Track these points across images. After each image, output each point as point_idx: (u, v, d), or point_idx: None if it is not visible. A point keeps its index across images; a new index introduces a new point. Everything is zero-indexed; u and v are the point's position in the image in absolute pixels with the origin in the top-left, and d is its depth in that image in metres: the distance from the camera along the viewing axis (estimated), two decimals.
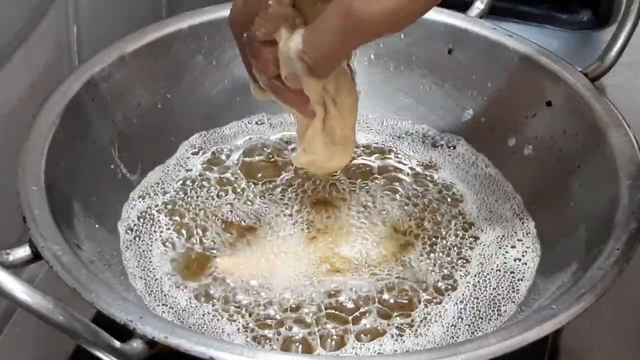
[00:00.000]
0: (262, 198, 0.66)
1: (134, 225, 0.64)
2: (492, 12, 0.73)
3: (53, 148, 0.60)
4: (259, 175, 0.68)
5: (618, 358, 0.65)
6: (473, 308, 0.60)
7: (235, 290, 0.60)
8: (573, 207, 0.63)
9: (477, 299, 0.61)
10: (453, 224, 0.65)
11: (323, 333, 0.58)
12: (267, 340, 0.57)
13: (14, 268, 0.53)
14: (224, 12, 0.69)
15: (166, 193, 0.66)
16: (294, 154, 0.63)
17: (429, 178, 0.69)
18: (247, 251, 0.62)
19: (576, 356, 0.65)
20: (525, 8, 0.91)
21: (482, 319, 0.59)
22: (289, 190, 0.67)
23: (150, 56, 0.68)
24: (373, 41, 0.52)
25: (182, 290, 0.60)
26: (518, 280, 0.62)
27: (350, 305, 0.59)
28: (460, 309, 0.60)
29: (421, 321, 0.59)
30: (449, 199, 0.67)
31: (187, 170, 0.68)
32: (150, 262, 0.62)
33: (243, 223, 0.64)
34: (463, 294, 0.61)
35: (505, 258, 0.63)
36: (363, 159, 0.70)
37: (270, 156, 0.69)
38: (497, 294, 0.61)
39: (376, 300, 0.60)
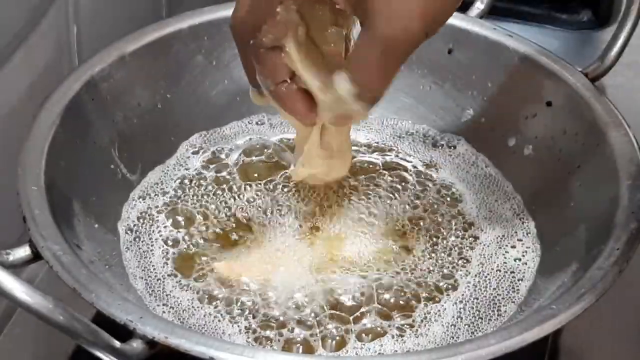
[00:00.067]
0: (261, 198, 0.66)
1: (134, 225, 0.64)
2: (492, 12, 0.73)
3: (53, 148, 0.60)
4: (259, 175, 0.68)
5: (618, 358, 0.65)
6: (473, 308, 0.60)
7: (235, 291, 0.60)
8: (573, 207, 0.63)
9: (477, 299, 0.61)
10: (453, 223, 0.65)
11: (325, 334, 0.58)
12: (269, 341, 0.57)
13: (14, 268, 0.53)
14: (224, 12, 0.69)
15: (165, 193, 0.66)
16: (292, 169, 0.63)
17: (429, 178, 0.69)
18: (245, 253, 0.62)
19: (576, 356, 0.65)
20: (525, 8, 0.91)
21: (482, 319, 0.59)
22: (288, 190, 0.67)
23: (150, 56, 0.68)
24: None
25: (184, 291, 0.60)
26: (518, 280, 0.62)
27: (351, 305, 0.59)
28: (460, 308, 0.60)
29: (422, 321, 0.59)
30: (449, 199, 0.67)
31: (186, 169, 0.68)
32: (151, 262, 0.62)
33: (242, 224, 0.64)
34: (463, 294, 0.61)
35: (506, 258, 0.63)
36: (361, 155, 0.70)
37: (271, 156, 0.69)
38: (497, 294, 0.61)
39: (376, 300, 0.60)
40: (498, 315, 0.60)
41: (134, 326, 0.49)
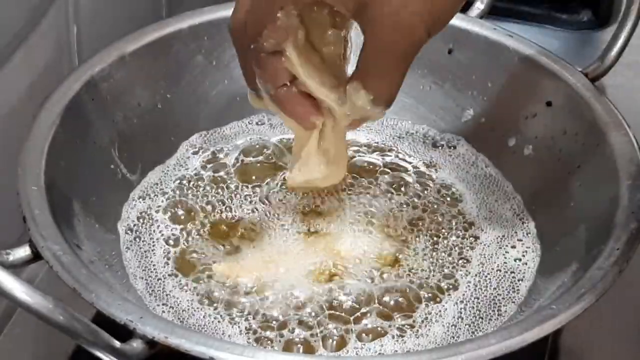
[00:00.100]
0: (260, 199, 0.66)
1: (134, 225, 0.64)
2: (492, 12, 0.73)
3: (53, 148, 0.60)
4: (258, 175, 0.68)
5: (618, 358, 0.65)
6: (473, 308, 0.60)
7: (235, 293, 0.60)
8: (573, 207, 0.63)
9: (478, 298, 0.61)
10: (453, 223, 0.65)
11: (325, 334, 0.58)
12: (269, 342, 0.57)
13: (14, 268, 0.53)
14: (224, 12, 0.69)
15: (165, 193, 0.66)
16: (289, 174, 0.63)
17: (429, 178, 0.69)
18: (244, 255, 0.62)
19: (576, 356, 0.65)
20: (525, 8, 0.91)
21: (482, 319, 0.59)
22: (287, 190, 0.67)
23: (150, 56, 0.68)
24: None
25: (184, 291, 0.60)
26: (518, 280, 0.62)
27: (352, 306, 0.59)
28: (461, 308, 0.60)
29: (422, 321, 0.59)
30: (449, 199, 0.67)
31: (186, 169, 0.68)
32: (151, 262, 0.62)
33: (241, 225, 0.64)
34: (464, 294, 0.61)
35: (506, 258, 0.63)
36: (361, 155, 0.70)
37: (270, 157, 0.69)
38: (498, 294, 0.61)
39: (377, 300, 0.60)
40: (498, 315, 0.60)
41: (134, 326, 0.49)
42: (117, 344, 0.48)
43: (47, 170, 0.58)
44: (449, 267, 0.62)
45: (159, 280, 0.61)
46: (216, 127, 0.71)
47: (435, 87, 0.72)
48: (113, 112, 0.66)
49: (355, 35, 0.56)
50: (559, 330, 0.53)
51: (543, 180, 0.67)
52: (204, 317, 0.58)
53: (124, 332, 0.49)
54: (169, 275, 0.61)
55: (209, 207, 0.66)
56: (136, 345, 0.49)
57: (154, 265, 0.62)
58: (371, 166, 0.70)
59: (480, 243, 0.64)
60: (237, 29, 0.55)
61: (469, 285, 0.61)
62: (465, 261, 0.63)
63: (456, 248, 0.64)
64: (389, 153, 0.71)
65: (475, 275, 0.62)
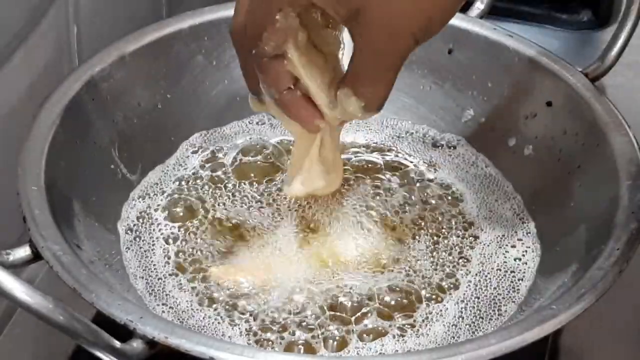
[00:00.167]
0: (259, 199, 0.66)
1: (134, 225, 0.64)
2: (492, 12, 0.73)
3: (53, 148, 0.60)
4: (256, 175, 0.68)
5: (618, 358, 0.65)
6: (474, 308, 0.60)
7: (235, 294, 0.60)
8: (573, 207, 0.63)
9: (478, 298, 0.61)
10: (453, 223, 0.65)
11: (326, 335, 0.58)
12: (270, 343, 0.57)
13: (14, 268, 0.53)
14: (224, 12, 0.69)
15: (164, 193, 0.66)
16: (288, 187, 0.63)
17: (429, 178, 0.69)
18: (243, 256, 0.62)
19: (576, 356, 0.65)
20: (525, 8, 0.91)
21: (482, 318, 0.59)
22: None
23: (150, 56, 0.68)
24: None
25: (183, 291, 0.60)
26: (518, 280, 0.62)
27: (352, 306, 0.59)
28: (461, 308, 0.60)
29: (423, 321, 0.59)
30: (449, 199, 0.67)
31: (186, 169, 0.68)
32: (152, 262, 0.62)
33: (240, 225, 0.64)
34: (464, 294, 0.61)
35: (506, 258, 0.63)
36: (361, 155, 0.70)
37: (269, 157, 0.69)
38: (498, 294, 0.61)
39: (377, 300, 0.60)
40: (499, 315, 0.60)
41: (134, 326, 0.49)
42: (117, 344, 0.48)
43: (47, 170, 0.58)
44: (449, 267, 0.62)
45: (159, 280, 0.61)
46: (216, 126, 0.71)
47: (435, 87, 0.72)
48: (113, 112, 0.66)
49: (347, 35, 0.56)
50: (559, 330, 0.53)
51: (543, 180, 0.67)
52: (204, 318, 0.58)
53: (124, 332, 0.49)
54: (169, 274, 0.61)
55: (208, 207, 0.66)
56: (136, 345, 0.49)
57: (154, 265, 0.62)
58: (370, 165, 0.70)
59: (480, 242, 0.64)
60: (238, 32, 0.55)
61: (469, 285, 0.61)
62: (465, 260, 0.63)
63: (456, 247, 0.64)
64: (388, 153, 0.71)
65: (476, 274, 0.62)
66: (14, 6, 0.62)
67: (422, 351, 0.55)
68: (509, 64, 0.69)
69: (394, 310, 0.59)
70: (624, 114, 0.64)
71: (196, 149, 0.70)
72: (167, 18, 0.72)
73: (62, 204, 0.58)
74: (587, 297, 0.53)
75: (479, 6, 0.73)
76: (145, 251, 0.63)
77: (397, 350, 0.57)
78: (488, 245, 0.64)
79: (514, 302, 0.60)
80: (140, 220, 0.64)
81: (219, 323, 0.58)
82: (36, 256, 0.54)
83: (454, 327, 0.59)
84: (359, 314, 0.59)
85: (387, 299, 0.60)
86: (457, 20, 0.70)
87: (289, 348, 0.57)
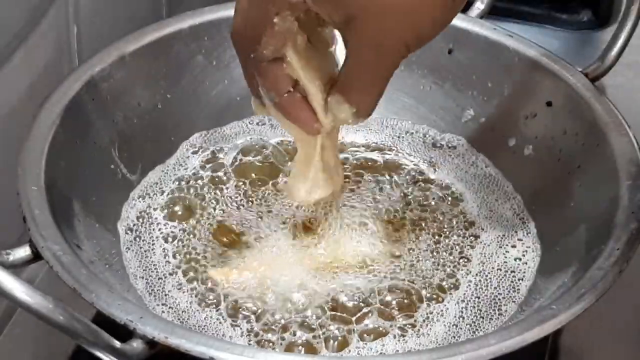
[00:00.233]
0: (259, 200, 0.66)
1: (134, 225, 0.64)
2: (492, 12, 0.73)
3: (53, 148, 0.60)
4: (257, 176, 0.68)
5: (618, 358, 0.65)
6: (474, 307, 0.60)
7: (235, 295, 0.60)
8: (573, 207, 0.63)
9: (479, 298, 0.61)
10: (454, 223, 0.65)
11: (327, 335, 0.58)
12: (271, 344, 0.57)
13: (14, 268, 0.53)
14: (224, 12, 0.69)
15: (164, 193, 0.66)
16: (292, 194, 0.63)
17: (429, 178, 0.69)
18: (243, 257, 0.62)
19: (576, 356, 0.65)
20: (525, 8, 0.91)
21: (483, 318, 0.59)
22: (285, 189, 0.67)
23: (150, 56, 0.68)
24: None
25: (183, 292, 0.60)
26: (519, 279, 0.62)
27: (352, 306, 0.59)
28: (462, 308, 0.60)
29: (424, 321, 0.59)
30: (449, 199, 0.67)
31: (186, 169, 0.68)
32: (152, 261, 0.62)
33: (240, 226, 0.64)
34: (465, 293, 0.61)
35: (506, 257, 0.63)
36: (360, 154, 0.70)
37: (268, 157, 0.69)
38: (498, 294, 0.61)
39: (378, 300, 0.60)
40: (499, 314, 0.60)
41: (134, 326, 0.49)
42: (117, 344, 0.48)
43: (47, 170, 0.58)
44: (450, 266, 0.62)
45: (159, 280, 0.61)
46: (216, 127, 0.71)
47: (435, 87, 0.72)
48: (113, 112, 0.66)
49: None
50: (559, 330, 0.53)
51: (543, 180, 0.67)
52: (204, 318, 0.58)
53: (124, 332, 0.49)
54: (169, 274, 0.61)
55: (208, 207, 0.66)
56: (136, 345, 0.49)
57: (154, 264, 0.62)
58: (370, 164, 0.70)
59: (481, 242, 0.64)
60: (237, 36, 0.55)
61: (469, 285, 0.61)
62: (466, 260, 0.63)
63: (457, 247, 0.64)
64: (388, 153, 0.71)
65: (476, 274, 0.62)
66: (14, 6, 0.62)
67: (423, 351, 0.55)
68: (509, 64, 0.69)
69: (394, 310, 0.59)
70: (624, 114, 0.64)
71: (196, 149, 0.70)
72: (167, 18, 0.72)
73: (62, 204, 0.58)
74: (587, 297, 0.53)
75: (479, 6, 0.73)
76: (145, 251, 0.63)
77: (397, 350, 0.57)
78: (488, 245, 0.64)
79: (514, 302, 0.60)
80: (140, 220, 0.64)
81: (220, 323, 0.58)
82: (36, 256, 0.54)
83: (454, 327, 0.59)
84: (359, 314, 0.59)
85: (387, 299, 0.60)
86: (457, 20, 0.70)
87: (289, 348, 0.57)
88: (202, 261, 0.62)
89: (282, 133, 0.71)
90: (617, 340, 0.66)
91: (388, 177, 0.69)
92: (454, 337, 0.58)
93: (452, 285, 0.61)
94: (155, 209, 0.65)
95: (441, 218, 0.66)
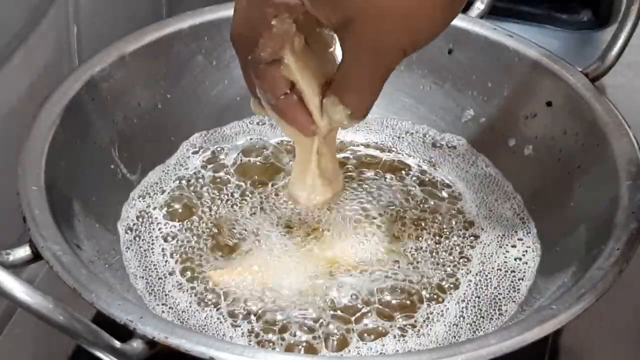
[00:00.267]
0: (259, 199, 0.66)
1: (134, 225, 0.64)
2: (492, 12, 0.73)
3: (53, 148, 0.60)
4: (256, 176, 0.68)
5: (618, 358, 0.65)
6: (475, 307, 0.60)
7: (235, 296, 0.59)
8: (573, 207, 0.63)
9: (479, 297, 0.61)
10: (454, 223, 0.65)
11: (327, 335, 0.58)
12: (271, 344, 0.57)
13: (14, 268, 0.53)
14: (224, 12, 0.69)
15: (164, 192, 0.66)
16: (293, 197, 0.64)
17: (429, 177, 0.69)
18: (243, 258, 0.62)
19: (576, 356, 0.65)
20: (525, 8, 0.91)
21: (483, 318, 0.59)
22: (285, 191, 0.67)
23: (150, 56, 0.68)
24: None
25: (183, 292, 0.60)
26: (519, 279, 0.62)
27: (352, 307, 0.59)
28: (462, 308, 0.60)
29: (424, 321, 0.59)
30: (449, 199, 0.67)
31: (186, 169, 0.68)
32: (151, 261, 0.62)
33: (239, 226, 0.64)
34: (465, 293, 0.61)
35: (506, 257, 0.63)
36: (357, 155, 0.70)
37: (269, 158, 0.69)
38: (498, 293, 0.61)
39: (378, 301, 0.60)
40: (499, 314, 0.60)
41: (134, 326, 0.49)
42: (117, 344, 0.48)
43: (47, 170, 0.58)
44: (450, 266, 0.62)
45: (159, 280, 0.61)
46: (216, 127, 0.71)
47: (435, 87, 0.72)
48: (113, 112, 0.66)
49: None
50: (559, 330, 0.53)
51: (543, 180, 0.67)
52: (205, 318, 0.58)
53: (124, 332, 0.49)
54: (169, 274, 0.61)
55: (208, 207, 0.66)
56: (136, 345, 0.49)
57: (154, 264, 0.62)
58: (370, 165, 0.70)
59: (481, 242, 0.64)
60: (236, 37, 0.55)
61: (469, 285, 0.61)
62: (466, 260, 0.63)
63: (457, 247, 0.64)
64: (388, 153, 0.71)
65: (476, 274, 0.62)
66: (14, 6, 0.62)
67: (422, 351, 0.55)
68: (509, 64, 0.69)
69: (394, 311, 0.59)
70: (624, 114, 0.64)
71: (197, 149, 0.70)
72: (167, 18, 0.72)
73: (62, 204, 0.58)
74: (587, 297, 0.53)
75: (479, 6, 0.73)
76: (145, 251, 0.63)
77: (397, 350, 0.57)
78: (488, 245, 0.64)
79: (514, 301, 0.60)
80: (140, 219, 0.64)
81: (220, 323, 0.58)
82: (36, 256, 0.54)
83: (454, 326, 0.59)
84: (359, 314, 0.59)
85: (387, 299, 0.60)
86: (457, 20, 0.70)
87: (289, 348, 0.57)
88: (201, 261, 0.62)
89: (282, 133, 0.71)
90: (617, 340, 0.66)
91: (388, 177, 0.69)
92: (455, 337, 0.58)
93: (452, 285, 0.61)
94: (155, 209, 0.65)
95: (441, 218, 0.66)
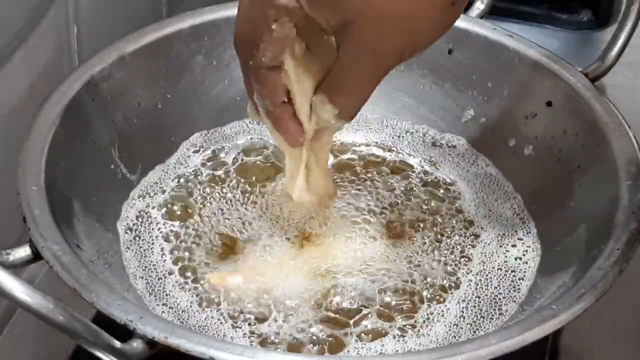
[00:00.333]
0: (258, 200, 0.66)
1: (133, 224, 0.64)
2: (492, 12, 0.73)
3: (53, 148, 0.60)
4: (256, 176, 0.68)
5: (618, 358, 0.65)
6: (475, 307, 0.60)
7: (234, 298, 0.59)
8: (573, 207, 0.63)
9: (479, 297, 0.61)
10: (454, 222, 0.65)
11: (327, 335, 0.58)
12: (271, 344, 0.57)
13: (14, 268, 0.53)
14: (224, 12, 0.69)
15: (164, 192, 0.66)
16: (293, 193, 0.64)
17: (429, 177, 0.69)
18: (242, 260, 0.62)
19: (576, 356, 0.65)
20: (525, 8, 0.91)
21: (483, 318, 0.59)
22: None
23: (150, 56, 0.68)
24: None
25: (184, 291, 0.60)
26: (519, 279, 0.62)
27: (352, 307, 0.59)
28: (463, 307, 0.60)
29: (424, 321, 0.59)
30: (449, 198, 0.67)
31: (186, 168, 0.68)
32: (151, 261, 0.62)
33: (238, 226, 0.64)
34: (465, 293, 0.61)
35: (506, 257, 0.63)
36: (357, 155, 0.70)
37: (269, 157, 0.69)
38: (499, 293, 0.61)
39: (378, 301, 0.60)
40: (499, 314, 0.60)
41: (134, 326, 0.49)
42: (117, 344, 0.48)
43: (47, 170, 0.58)
44: (451, 265, 0.62)
45: (159, 280, 0.61)
46: (216, 126, 0.71)
47: (435, 87, 0.72)
48: (113, 112, 0.66)
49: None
50: (559, 330, 0.53)
51: (543, 180, 0.67)
52: (205, 318, 0.58)
53: (124, 332, 0.49)
54: (168, 274, 0.61)
55: (207, 207, 0.66)
56: (136, 345, 0.49)
57: (153, 264, 0.62)
58: (370, 164, 0.70)
59: (481, 242, 0.64)
60: (239, 40, 0.55)
61: (470, 284, 0.61)
62: (466, 260, 0.63)
63: (457, 247, 0.64)
64: (388, 153, 0.71)
65: (477, 273, 0.62)
66: (14, 6, 0.62)
67: (422, 351, 0.55)
68: (509, 64, 0.69)
69: (395, 311, 0.59)
70: (624, 114, 0.64)
71: (197, 148, 0.70)
72: (167, 18, 0.72)
73: (62, 204, 0.58)
74: (587, 297, 0.53)
75: (479, 6, 0.73)
76: (144, 250, 0.63)
77: (397, 351, 0.57)
78: (489, 244, 0.64)
79: (514, 301, 0.60)
80: (140, 219, 0.64)
81: (220, 324, 0.58)
82: (36, 256, 0.54)
83: (455, 326, 0.59)
84: (359, 314, 0.59)
85: (388, 299, 0.60)
86: (457, 20, 0.70)
87: (289, 349, 0.57)
88: (201, 261, 0.62)
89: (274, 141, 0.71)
90: (617, 340, 0.66)
91: (388, 177, 0.69)
92: (455, 337, 0.58)
93: (453, 285, 0.61)
94: (154, 208, 0.65)
95: (441, 218, 0.66)
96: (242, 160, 0.69)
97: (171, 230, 0.64)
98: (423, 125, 0.73)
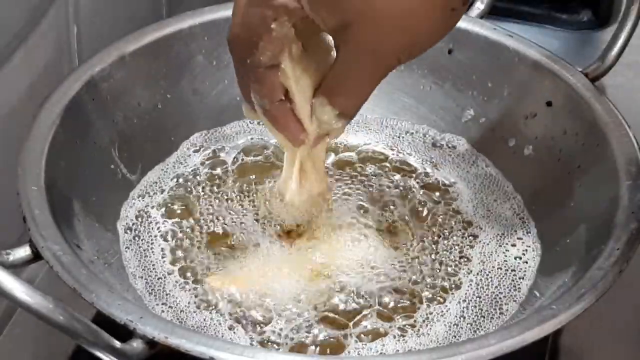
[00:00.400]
0: (258, 200, 0.66)
1: (133, 224, 0.64)
2: (492, 12, 0.73)
3: (53, 148, 0.60)
4: (255, 176, 0.68)
5: (618, 358, 0.65)
6: (475, 307, 0.60)
7: (233, 299, 0.59)
8: (573, 207, 0.63)
9: (480, 297, 0.61)
10: (453, 222, 0.65)
11: (327, 336, 0.58)
12: (271, 344, 0.57)
13: (14, 268, 0.53)
14: (224, 12, 0.69)
15: (164, 192, 0.66)
16: (287, 191, 0.64)
17: (429, 178, 0.69)
18: (240, 260, 0.62)
19: (576, 356, 0.65)
20: (525, 8, 0.91)
21: (484, 317, 0.59)
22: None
23: (150, 56, 0.68)
24: None
25: (184, 291, 0.60)
26: (519, 278, 0.62)
27: (353, 307, 0.59)
28: (463, 307, 0.60)
29: (424, 321, 0.59)
30: (449, 198, 0.67)
31: (186, 167, 0.68)
32: (150, 261, 0.62)
33: (239, 226, 0.64)
34: (466, 293, 0.61)
35: (506, 256, 0.63)
36: (357, 154, 0.70)
37: (269, 157, 0.69)
38: (499, 292, 0.61)
39: (378, 302, 0.60)
40: (500, 314, 0.60)
41: (134, 326, 0.49)
42: (117, 344, 0.48)
43: (47, 170, 0.58)
44: (451, 266, 0.62)
45: (159, 280, 0.61)
46: (216, 126, 0.71)
47: (435, 87, 0.72)
48: (113, 112, 0.66)
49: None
50: (559, 330, 0.53)
51: (543, 180, 0.67)
52: (204, 319, 0.58)
53: (124, 332, 0.49)
54: (168, 274, 0.61)
55: (207, 207, 0.65)
56: (136, 345, 0.49)
57: (153, 264, 0.62)
58: (370, 164, 0.70)
59: (480, 241, 0.64)
60: (234, 40, 0.55)
61: (470, 284, 0.61)
62: (466, 260, 0.63)
63: (457, 247, 0.64)
64: (388, 153, 0.71)
65: (477, 273, 0.62)
66: (14, 6, 0.62)
67: (422, 351, 0.55)
68: (509, 64, 0.69)
69: (394, 312, 0.59)
70: (624, 114, 0.64)
71: (197, 148, 0.70)
72: (167, 18, 0.72)
73: (62, 204, 0.58)
74: (587, 297, 0.53)
75: (479, 6, 0.73)
76: (144, 250, 0.63)
77: (397, 350, 0.57)
78: (488, 244, 0.64)
79: (515, 301, 0.60)
80: (139, 219, 0.64)
81: (219, 324, 0.58)
82: (36, 256, 0.54)
83: (455, 326, 0.59)
84: (359, 315, 0.59)
85: (387, 300, 0.60)
86: None
87: (289, 350, 0.57)
88: (201, 260, 0.62)
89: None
90: (617, 340, 0.66)
91: (387, 177, 0.68)
92: (455, 337, 0.58)
93: (453, 285, 0.61)
94: (153, 208, 0.65)
95: (441, 218, 0.66)
96: (242, 160, 0.69)
97: (171, 229, 0.64)
98: (423, 126, 0.73)
